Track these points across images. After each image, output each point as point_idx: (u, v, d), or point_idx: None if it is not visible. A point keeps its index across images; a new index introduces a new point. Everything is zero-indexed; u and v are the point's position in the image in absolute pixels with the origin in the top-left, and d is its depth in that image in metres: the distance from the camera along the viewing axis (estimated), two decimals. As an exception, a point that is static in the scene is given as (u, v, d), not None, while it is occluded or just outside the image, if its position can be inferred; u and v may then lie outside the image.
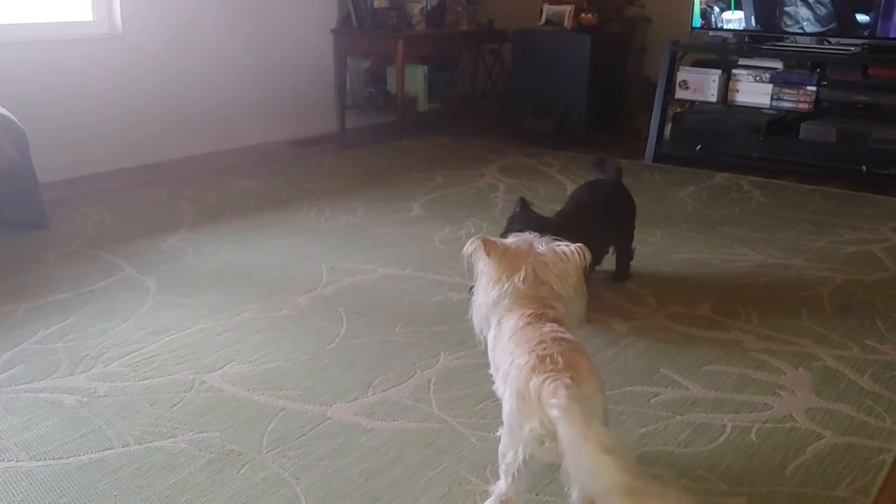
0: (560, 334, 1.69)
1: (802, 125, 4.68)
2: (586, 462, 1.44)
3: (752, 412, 2.23)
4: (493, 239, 1.90)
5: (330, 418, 2.17)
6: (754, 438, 2.11)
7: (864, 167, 4.47)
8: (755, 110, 4.88)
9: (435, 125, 5.76)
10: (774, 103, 4.79)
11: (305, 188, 4.32)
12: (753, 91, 4.85)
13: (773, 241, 3.60)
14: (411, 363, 2.47)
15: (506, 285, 1.83)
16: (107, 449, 2.02)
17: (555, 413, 1.50)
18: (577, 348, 1.67)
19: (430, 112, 5.89)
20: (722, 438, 2.11)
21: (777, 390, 2.34)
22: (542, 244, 1.89)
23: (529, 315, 1.77)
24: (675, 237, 3.62)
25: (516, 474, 1.68)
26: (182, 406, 2.22)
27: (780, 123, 4.82)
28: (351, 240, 3.55)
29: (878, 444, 2.09)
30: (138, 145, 4.70)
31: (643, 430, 2.14)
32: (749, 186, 4.49)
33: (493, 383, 1.84)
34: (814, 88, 4.67)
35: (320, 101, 5.68)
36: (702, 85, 4.96)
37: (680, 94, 5.05)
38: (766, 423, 2.18)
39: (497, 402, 2.14)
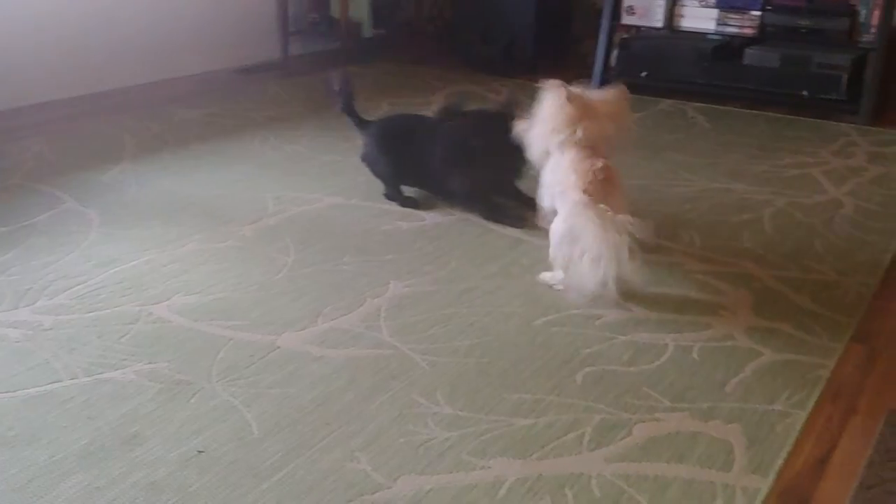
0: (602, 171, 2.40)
1: (746, 50, 4.70)
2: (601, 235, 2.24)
3: (693, 332, 2.29)
4: (569, 88, 2.48)
5: (279, 347, 2.18)
6: (696, 357, 2.17)
7: (806, 92, 4.52)
8: (700, 36, 4.88)
9: (380, 52, 5.67)
10: (719, 28, 4.80)
11: (249, 117, 4.25)
12: (699, 16, 4.84)
13: (717, 165, 3.65)
14: (361, 292, 2.48)
15: (573, 132, 2.47)
16: (55, 381, 2.01)
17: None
18: (612, 180, 2.42)
19: (376, 38, 5.79)
20: (664, 357, 2.16)
21: (718, 310, 2.40)
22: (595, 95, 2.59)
23: (584, 151, 2.46)
24: (620, 163, 3.62)
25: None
26: (130, 337, 2.21)
27: (724, 49, 4.83)
28: (296, 169, 3.52)
29: (815, 360, 2.16)
30: (75, 75, 4.56)
31: (588, 350, 2.19)
32: (693, 112, 4.52)
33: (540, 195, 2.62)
34: (758, 13, 4.68)
35: (262, 28, 5.55)
36: (648, 10, 4.94)
37: (626, 19, 5.02)
38: (707, 342, 2.24)
39: (445, 328, 2.19)
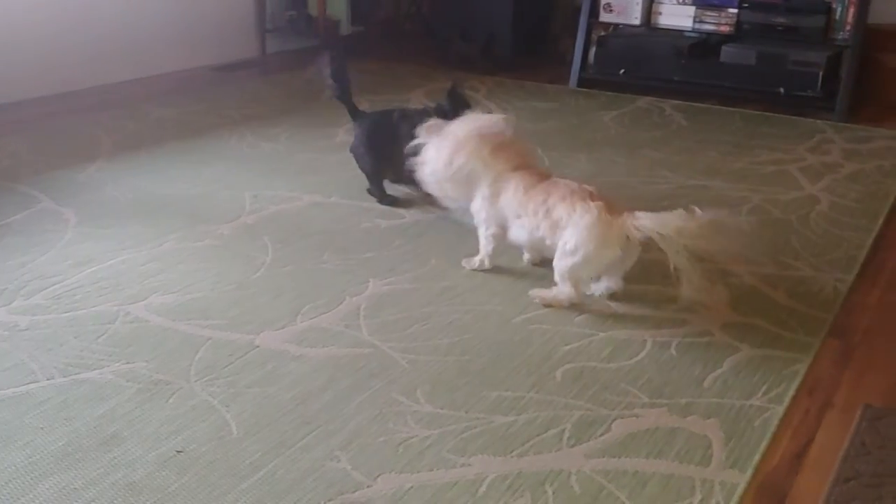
0: (576, 186, 2.41)
1: (723, 48, 4.73)
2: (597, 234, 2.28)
3: (671, 328, 2.30)
4: (486, 143, 2.47)
5: (258, 346, 2.17)
6: (674, 352, 2.18)
7: (782, 89, 4.56)
8: (677, 33, 4.91)
9: (359, 49, 5.66)
10: (696, 26, 4.83)
11: (226, 115, 4.23)
12: (676, 13, 4.87)
13: (694, 163, 3.67)
14: (340, 290, 2.48)
15: (497, 178, 2.49)
16: (31, 382, 1.99)
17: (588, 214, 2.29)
18: (588, 190, 2.38)
19: (354, 36, 5.79)
20: (643, 353, 2.18)
21: (695, 306, 2.41)
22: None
23: (530, 176, 2.48)
24: (599, 161, 3.67)
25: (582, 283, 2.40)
26: (107, 337, 2.19)
27: (701, 46, 4.86)
28: (274, 167, 3.51)
29: (792, 355, 2.18)
30: (52, 74, 4.53)
31: (567, 347, 2.19)
32: (671, 110, 4.55)
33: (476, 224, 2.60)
34: (735, 10, 4.71)
35: (239, 25, 5.53)
36: (625, 7, 4.96)
37: (604, 17, 5.04)
38: (685, 337, 2.25)
39: (425, 326, 2.19)
